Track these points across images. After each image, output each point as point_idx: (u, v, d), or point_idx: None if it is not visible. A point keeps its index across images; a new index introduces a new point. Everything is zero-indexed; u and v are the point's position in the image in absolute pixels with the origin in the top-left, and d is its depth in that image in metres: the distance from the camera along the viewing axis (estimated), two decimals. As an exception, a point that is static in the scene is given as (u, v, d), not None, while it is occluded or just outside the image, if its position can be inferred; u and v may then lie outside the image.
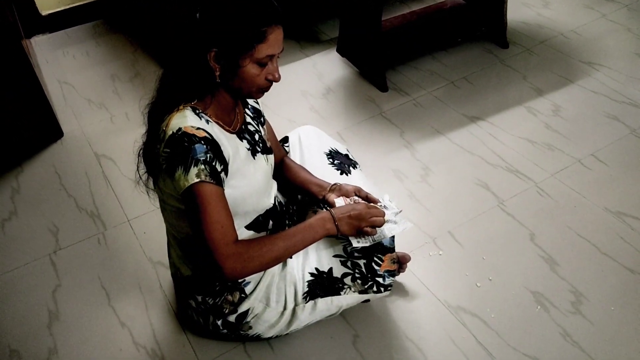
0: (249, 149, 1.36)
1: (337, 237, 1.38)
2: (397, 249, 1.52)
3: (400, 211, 1.48)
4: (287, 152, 1.70)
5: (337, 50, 2.83)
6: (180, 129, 1.18)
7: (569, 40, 2.85)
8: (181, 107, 1.23)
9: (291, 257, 1.45)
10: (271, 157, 1.49)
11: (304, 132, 1.77)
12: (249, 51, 1.19)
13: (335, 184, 1.52)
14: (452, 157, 2.21)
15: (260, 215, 1.43)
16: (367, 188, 1.58)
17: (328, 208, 1.40)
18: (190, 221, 1.21)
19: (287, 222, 1.57)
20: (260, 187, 1.40)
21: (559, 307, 1.66)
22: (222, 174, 1.22)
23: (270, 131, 1.58)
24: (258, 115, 1.50)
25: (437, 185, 2.09)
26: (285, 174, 1.60)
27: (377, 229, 1.39)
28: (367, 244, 1.40)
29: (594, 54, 2.74)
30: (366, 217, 1.36)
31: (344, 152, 1.72)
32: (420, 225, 1.93)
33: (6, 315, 1.72)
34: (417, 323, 1.64)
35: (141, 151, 1.36)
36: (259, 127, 1.47)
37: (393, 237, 1.51)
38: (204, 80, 1.24)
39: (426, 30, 2.76)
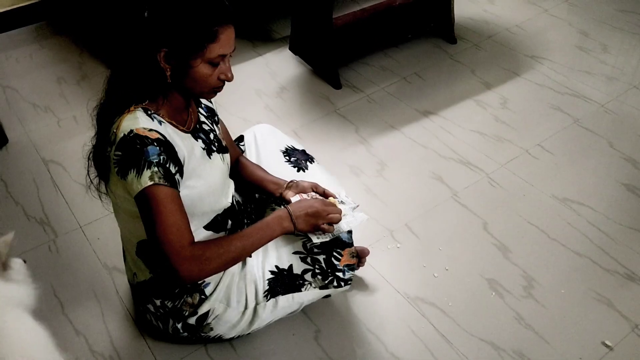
0: (204, 148, 1.35)
1: (294, 234, 1.38)
2: (355, 243, 1.54)
3: (357, 206, 1.50)
4: (242, 152, 1.69)
5: (290, 49, 2.83)
6: (132, 130, 1.16)
7: (514, 35, 2.95)
8: (132, 108, 1.20)
9: (250, 256, 1.44)
10: (227, 156, 1.48)
11: (259, 130, 1.76)
12: (200, 51, 1.18)
13: (291, 181, 1.52)
14: (406, 152, 2.25)
15: (218, 214, 1.42)
16: (326, 179, 1.60)
17: (285, 205, 1.41)
18: (145, 224, 1.19)
19: (245, 221, 1.56)
20: (217, 186, 1.39)
21: (512, 292, 1.72)
22: (177, 176, 1.21)
23: (225, 130, 1.57)
24: (212, 114, 1.49)
25: (393, 179, 2.13)
26: (241, 173, 1.59)
27: (334, 225, 1.40)
28: (327, 239, 1.41)
29: (537, 48, 2.84)
30: (323, 214, 1.37)
31: (300, 147, 1.73)
32: (378, 219, 1.96)
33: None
34: (377, 315, 1.67)
35: (91, 155, 1.33)
36: (213, 126, 1.45)
37: (351, 231, 1.52)
38: (155, 80, 1.22)
39: (377, 27, 2.79)
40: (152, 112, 1.23)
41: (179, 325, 1.48)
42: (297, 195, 1.49)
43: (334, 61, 2.58)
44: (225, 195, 1.46)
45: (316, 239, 1.38)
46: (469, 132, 2.34)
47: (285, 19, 2.93)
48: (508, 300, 1.70)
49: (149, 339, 1.61)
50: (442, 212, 1.99)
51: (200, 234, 1.38)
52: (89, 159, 1.34)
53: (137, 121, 1.18)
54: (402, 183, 2.11)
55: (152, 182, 1.14)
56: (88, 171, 1.35)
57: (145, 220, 1.18)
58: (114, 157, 1.18)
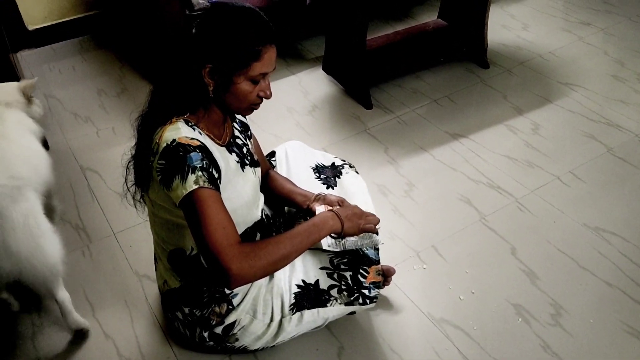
0: (238, 162, 1.39)
1: (339, 236, 1.39)
2: (381, 262, 1.54)
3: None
4: (273, 166, 1.73)
5: (323, 68, 2.88)
6: (174, 140, 1.20)
7: (547, 62, 2.94)
8: (174, 120, 1.25)
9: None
10: (258, 169, 1.51)
11: (291, 146, 1.80)
12: (244, 68, 1.23)
13: (319, 194, 1.55)
14: (435, 173, 2.26)
15: (248, 227, 1.45)
16: (355, 189, 1.63)
17: (329, 209, 1.42)
18: (192, 228, 1.20)
19: (273, 235, 1.59)
20: (249, 199, 1.43)
21: (539, 319, 1.70)
22: (218, 181, 1.25)
23: (257, 145, 1.61)
24: (245, 129, 1.53)
25: (421, 200, 2.13)
26: (270, 186, 1.62)
27: (368, 235, 1.44)
28: (337, 250, 1.43)
29: (571, 76, 2.83)
30: (364, 215, 1.41)
31: (329, 163, 1.75)
32: (404, 240, 1.97)
33: None
34: (401, 335, 1.66)
35: (130, 164, 1.38)
36: (246, 140, 1.50)
37: (378, 249, 1.54)
38: (197, 94, 1.27)
39: (409, 50, 2.83)
40: (193, 124, 1.28)
41: (206, 334, 1.50)
42: (322, 206, 1.50)
43: (366, 82, 2.62)
44: (256, 207, 1.49)
45: (326, 247, 1.41)
46: (499, 156, 2.33)
47: (319, 39, 2.99)
48: (535, 327, 1.68)
49: (175, 347, 1.64)
50: (469, 235, 1.99)
51: None
52: (127, 167, 1.39)
53: (180, 131, 1.22)
54: (429, 204, 2.11)
55: (197, 186, 1.17)
56: (125, 179, 1.40)
57: (192, 224, 1.20)
58: (158, 166, 1.22)
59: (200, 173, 1.18)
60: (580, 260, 1.88)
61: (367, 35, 2.53)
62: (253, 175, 1.45)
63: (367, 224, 1.41)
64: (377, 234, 1.46)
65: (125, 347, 1.64)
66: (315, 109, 2.64)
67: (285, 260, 1.26)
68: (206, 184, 1.19)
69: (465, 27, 2.88)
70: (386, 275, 1.72)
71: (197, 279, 1.44)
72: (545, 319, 1.70)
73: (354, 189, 1.66)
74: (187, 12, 2.59)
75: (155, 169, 1.23)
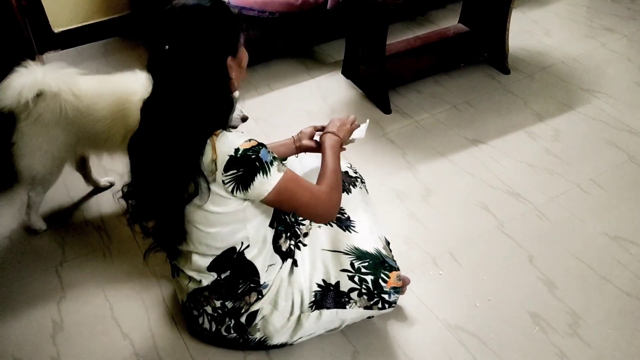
0: None
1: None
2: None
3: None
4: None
5: (342, 72, 2.89)
6: (237, 149, 1.24)
7: (569, 68, 2.91)
8: (214, 135, 1.25)
9: None
10: None
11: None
12: (232, 51, 1.28)
13: (297, 134, 1.69)
14: (453, 179, 2.25)
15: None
16: (365, 206, 1.64)
17: (321, 135, 1.59)
18: (289, 206, 1.37)
19: (283, 217, 1.59)
20: None
21: (556, 328, 1.68)
22: None
23: None
24: None
25: (438, 206, 2.13)
26: None
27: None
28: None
29: (593, 82, 2.80)
30: (345, 121, 1.61)
31: (344, 169, 1.76)
32: (421, 245, 1.96)
33: (12, 324, 1.74)
34: (416, 341, 1.66)
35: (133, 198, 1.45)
36: None
37: (393, 257, 1.55)
38: (224, 106, 1.30)
39: (429, 55, 2.82)
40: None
41: (232, 324, 1.51)
42: (315, 137, 1.65)
43: (385, 86, 2.62)
44: None
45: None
46: (519, 163, 2.31)
47: (339, 43, 3.00)
48: (552, 336, 1.66)
49: (191, 348, 1.66)
50: (486, 241, 1.97)
51: (268, 231, 1.46)
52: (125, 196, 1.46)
53: (235, 140, 1.25)
54: (447, 210, 2.11)
55: (282, 173, 1.29)
56: (128, 207, 1.46)
57: (288, 202, 1.34)
58: (228, 177, 1.25)
59: (276, 162, 1.29)
60: (600, 269, 1.86)
61: (387, 40, 2.53)
62: None
63: (349, 127, 1.61)
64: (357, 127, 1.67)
65: (143, 347, 1.67)
66: (334, 113, 2.65)
67: (341, 182, 1.49)
68: (284, 167, 1.31)
69: (486, 32, 2.86)
70: (402, 284, 1.73)
71: (233, 272, 1.45)
72: (562, 328, 1.68)
73: (360, 206, 1.68)
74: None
75: (225, 181, 1.25)
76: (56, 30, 3.18)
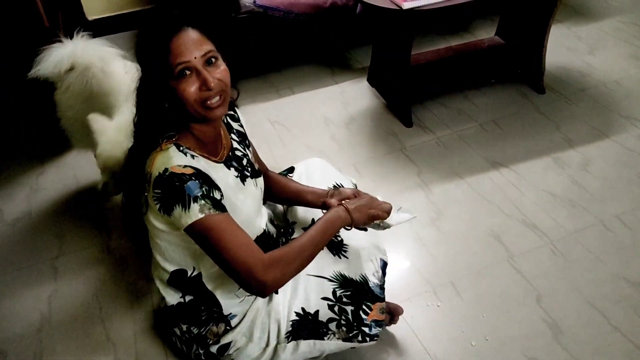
0: (237, 176, 1.35)
1: (347, 228, 1.35)
2: (394, 296, 1.47)
3: (400, 208, 1.49)
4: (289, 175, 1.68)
5: (368, 80, 2.80)
6: (166, 169, 1.16)
7: (610, 91, 2.72)
8: (164, 145, 1.21)
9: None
10: (260, 180, 1.47)
11: (312, 164, 1.74)
12: (168, 71, 1.14)
13: (334, 189, 1.50)
14: (467, 203, 2.14)
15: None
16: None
17: (339, 203, 1.39)
18: (210, 254, 1.19)
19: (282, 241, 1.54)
20: (251, 214, 1.38)
21: (556, 379, 1.57)
22: (223, 200, 1.21)
23: (254, 152, 1.56)
24: (243, 138, 1.48)
25: (447, 231, 2.02)
26: (274, 189, 1.57)
27: (385, 220, 1.41)
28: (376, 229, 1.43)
29: (634, 109, 2.61)
30: (374, 204, 1.38)
31: (351, 186, 1.69)
32: (422, 272, 1.87)
33: (2, 316, 1.76)
34: (402, 376, 1.58)
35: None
36: (245, 150, 1.45)
37: (383, 286, 1.46)
38: (162, 114, 1.22)
39: (460, 68, 2.70)
40: (184, 147, 1.23)
41: (202, 352, 1.48)
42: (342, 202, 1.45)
43: (408, 98, 2.52)
44: (259, 221, 1.44)
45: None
46: (540, 191, 2.17)
47: (369, 49, 2.91)
48: (549, 387, 1.55)
49: (171, 358, 1.62)
50: (493, 274, 1.86)
51: None
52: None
53: (171, 160, 1.17)
54: (455, 236, 2.00)
55: (202, 215, 1.14)
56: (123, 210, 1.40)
57: (209, 251, 1.19)
58: (154, 195, 1.19)
59: (203, 201, 1.15)
60: (612, 318, 1.72)
61: (417, 49, 2.44)
62: (254, 187, 1.41)
63: (376, 212, 1.37)
64: (386, 219, 1.42)
65: (124, 355, 1.65)
66: (353, 122, 2.57)
67: (309, 260, 1.27)
68: (212, 211, 1.15)
69: (523, 46, 2.71)
70: (393, 314, 1.64)
71: (196, 298, 1.42)
72: (562, 379, 1.56)
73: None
74: (234, 15, 2.59)
75: (152, 198, 1.19)
76: (90, 17, 3.21)
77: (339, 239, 1.51)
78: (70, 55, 1.83)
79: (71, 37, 1.87)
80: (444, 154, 2.38)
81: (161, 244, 1.33)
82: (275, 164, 2.14)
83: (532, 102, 2.66)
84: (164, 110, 1.21)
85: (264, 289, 1.18)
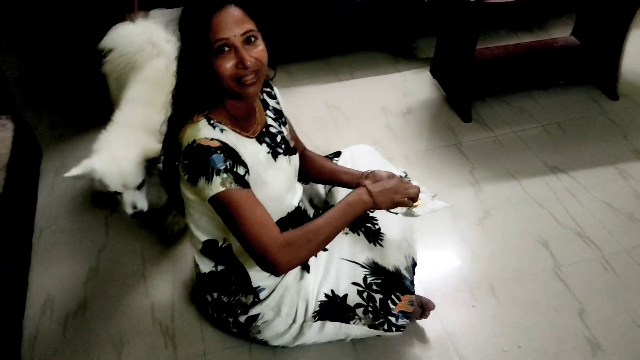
0: (269, 152, 1.36)
1: (371, 211, 1.34)
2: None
3: (435, 195, 1.43)
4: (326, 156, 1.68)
5: (430, 71, 2.75)
6: (194, 141, 1.19)
7: (691, 104, 2.54)
8: (195, 118, 1.24)
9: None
10: (294, 157, 1.47)
11: (359, 150, 1.73)
12: (208, 46, 1.16)
13: (369, 171, 1.47)
14: (518, 206, 2.06)
15: (282, 217, 1.42)
16: (402, 221, 1.53)
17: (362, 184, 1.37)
18: (229, 227, 1.23)
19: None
20: (281, 190, 1.40)
21: (588, 396, 1.50)
22: (247, 176, 1.23)
23: (291, 129, 1.56)
24: (279, 115, 1.49)
25: (493, 232, 1.97)
26: (309, 167, 1.58)
27: (412, 208, 1.36)
28: (404, 213, 1.37)
29: None
30: (401, 189, 1.33)
31: (399, 174, 1.66)
32: (461, 270, 1.83)
33: (53, 263, 1.87)
34: (427, 372, 1.56)
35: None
36: (281, 127, 1.46)
37: (413, 282, 1.45)
38: (200, 88, 1.24)
39: (528, 66, 2.59)
40: (215, 121, 1.25)
41: (230, 320, 1.52)
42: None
43: (469, 93, 2.45)
44: (291, 197, 1.46)
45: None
46: (599, 202, 2.07)
47: (435, 40, 2.84)
48: (580, 404, 1.49)
49: (204, 323, 1.68)
50: (536, 282, 1.80)
51: None
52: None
53: (200, 132, 1.21)
54: (501, 238, 1.94)
55: (223, 188, 1.17)
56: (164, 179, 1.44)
57: (228, 224, 1.23)
58: (183, 165, 1.23)
59: (225, 175, 1.17)
60: (660, 342, 1.62)
61: (485, 44, 2.37)
62: (287, 164, 1.42)
63: (401, 198, 1.33)
64: (412, 206, 1.37)
65: (160, 311, 1.72)
66: (410, 112, 2.53)
67: (325, 242, 1.27)
68: (233, 185, 1.18)
69: (599, 49, 2.57)
70: (424, 309, 1.62)
71: (227, 268, 1.46)
72: (595, 398, 1.50)
73: (397, 220, 1.54)
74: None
75: (182, 168, 1.24)
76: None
77: (377, 227, 1.51)
78: (137, 34, 1.93)
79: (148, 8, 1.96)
80: (501, 153, 2.30)
81: (194, 213, 1.37)
82: (325, 148, 2.14)
83: (602, 107, 2.52)
84: (199, 84, 1.24)
85: (277, 268, 1.20)
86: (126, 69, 1.96)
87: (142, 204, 1.68)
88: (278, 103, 1.51)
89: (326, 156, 1.68)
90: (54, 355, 1.62)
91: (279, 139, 1.42)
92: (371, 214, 1.51)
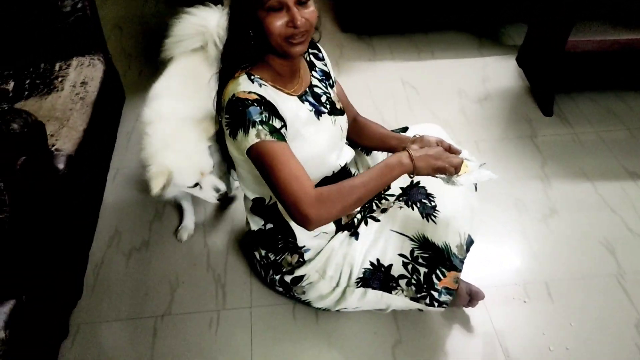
0: (311, 110, 1.37)
1: (410, 175, 1.29)
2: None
3: (484, 163, 1.36)
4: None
5: (517, 59, 2.64)
6: (234, 95, 1.24)
7: None
8: (237, 74, 1.28)
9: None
10: (341, 118, 1.47)
11: (428, 129, 1.70)
12: (259, 1, 1.18)
13: (417, 136, 1.44)
14: (588, 208, 1.97)
15: (326, 176, 1.44)
16: (464, 198, 1.49)
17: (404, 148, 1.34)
18: (265, 179, 1.25)
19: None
20: (323, 148, 1.40)
21: (633, 410, 1.44)
22: (283, 130, 1.25)
23: (341, 92, 1.56)
24: (327, 77, 1.49)
25: (557, 231, 1.89)
26: (361, 133, 1.58)
27: (455, 177, 1.30)
28: (448, 181, 1.32)
29: None
30: (443, 156, 1.29)
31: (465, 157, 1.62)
32: (517, 265, 1.79)
33: (123, 203, 2.00)
34: (465, 358, 1.55)
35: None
36: (327, 89, 1.46)
37: (464, 260, 1.42)
38: (247, 44, 1.27)
39: (623, 64, 2.43)
40: (255, 76, 1.28)
41: (277, 278, 1.57)
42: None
43: (554, 85, 2.34)
44: (334, 158, 1.46)
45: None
46: (679, 215, 1.94)
47: (524, 28, 2.73)
48: (623, 416, 1.43)
49: (254, 278, 1.74)
50: (595, 287, 1.72)
51: None
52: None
53: (239, 86, 1.25)
54: (564, 238, 1.87)
55: (259, 140, 1.20)
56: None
57: (264, 175, 1.25)
58: (225, 120, 1.28)
59: (260, 127, 1.20)
60: None
61: (579, 36, 2.24)
62: (331, 124, 1.42)
63: (443, 165, 1.28)
64: (453, 174, 1.30)
65: (215, 260, 1.80)
66: (487, 99, 2.46)
67: (359, 202, 1.24)
68: (268, 137, 1.20)
69: None
70: (473, 297, 1.60)
71: (275, 227, 1.50)
72: (640, 413, 1.44)
73: (458, 197, 1.50)
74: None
75: (224, 123, 1.28)
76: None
77: (433, 204, 1.49)
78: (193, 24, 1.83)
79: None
80: (578, 152, 2.20)
81: (241, 171, 1.41)
82: (395, 124, 2.13)
83: (699, 117, 2.34)
84: (248, 39, 1.26)
85: (308, 222, 1.18)
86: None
87: (221, 185, 1.63)
88: (326, 65, 1.52)
89: (393, 130, 1.67)
90: (114, 284, 1.74)
91: (323, 99, 1.43)
92: (429, 191, 1.50)
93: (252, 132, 1.21)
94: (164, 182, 1.50)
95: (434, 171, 1.29)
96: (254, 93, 1.24)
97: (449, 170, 1.28)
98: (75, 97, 1.79)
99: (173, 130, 1.57)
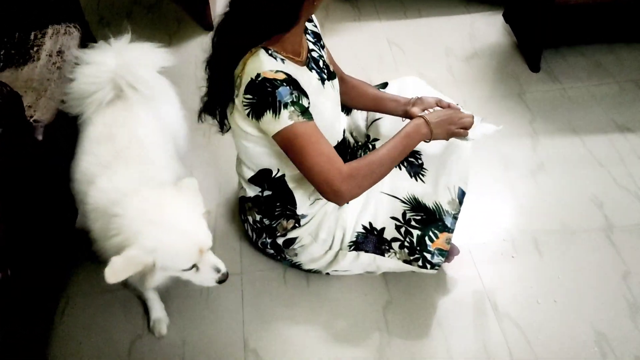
0: (318, 79, 1.34)
1: (426, 141, 1.34)
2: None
3: (484, 118, 1.43)
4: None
5: (503, 15, 2.59)
6: (259, 74, 1.17)
7: None
8: (253, 50, 1.21)
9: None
10: (336, 82, 1.45)
11: (408, 82, 1.65)
12: None
13: (415, 98, 1.46)
14: (576, 163, 1.97)
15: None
16: (449, 154, 1.47)
17: (420, 115, 1.36)
18: (295, 160, 1.23)
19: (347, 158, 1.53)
20: (332, 117, 1.39)
21: (620, 357, 1.46)
22: (310, 108, 1.22)
23: (329, 54, 1.52)
24: (318, 39, 1.45)
25: (545, 186, 1.89)
26: (352, 94, 1.56)
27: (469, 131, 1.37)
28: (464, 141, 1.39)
29: None
30: (455, 118, 1.35)
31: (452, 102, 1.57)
32: (506, 221, 1.79)
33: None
34: (456, 315, 1.56)
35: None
36: (320, 51, 1.42)
37: (457, 216, 1.41)
38: (273, 16, 1.17)
39: (615, 16, 2.37)
40: (272, 50, 1.22)
41: (269, 241, 1.57)
42: (425, 111, 1.43)
43: (543, 40, 2.30)
44: (338, 126, 1.45)
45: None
46: (667, 167, 1.94)
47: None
48: (610, 365, 1.46)
49: (244, 244, 1.74)
50: (583, 241, 1.73)
51: None
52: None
53: (262, 65, 1.18)
54: (552, 193, 1.87)
55: (292, 121, 1.17)
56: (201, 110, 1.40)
57: (294, 156, 1.23)
58: (245, 100, 1.21)
59: (292, 108, 1.17)
60: None
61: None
62: (332, 90, 1.40)
63: (457, 129, 1.35)
64: (466, 136, 1.38)
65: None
66: (474, 57, 2.42)
67: (385, 174, 1.30)
68: (300, 118, 1.18)
69: None
70: (448, 253, 1.60)
71: (274, 194, 1.48)
72: (627, 360, 1.46)
73: (443, 153, 1.48)
74: None
75: (242, 103, 1.22)
76: None
77: (420, 161, 1.48)
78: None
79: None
80: (566, 107, 2.18)
81: (248, 144, 1.35)
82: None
83: (688, 68, 2.32)
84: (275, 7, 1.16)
85: (341, 198, 1.23)
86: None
87: (222, 265, 1.25)
88: (316, 26, 1.47)
89: (374, 86, 1.64)
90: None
91: (321, 63, 1.40)
92: (415, 148, 1.47)
93: (285, 113, 1.17)
94: (137, 272, 1.13)
95: (449, 136, 1.35)
96: (282, 72, 1.18)
97: (463, 134, 1.35)
98: (52, 67, 1.74)
99: (154, 202, 1.18)
